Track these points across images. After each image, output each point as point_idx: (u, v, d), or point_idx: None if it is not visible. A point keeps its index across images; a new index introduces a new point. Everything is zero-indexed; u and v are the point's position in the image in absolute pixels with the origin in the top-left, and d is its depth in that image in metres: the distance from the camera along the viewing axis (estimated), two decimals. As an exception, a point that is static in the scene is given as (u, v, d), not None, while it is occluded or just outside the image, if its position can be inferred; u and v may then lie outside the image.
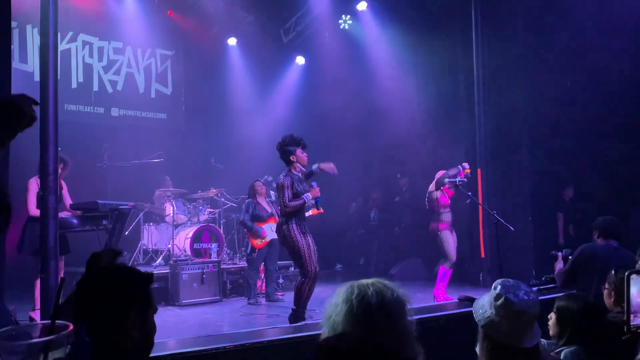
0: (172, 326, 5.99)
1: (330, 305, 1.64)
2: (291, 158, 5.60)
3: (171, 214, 8.66)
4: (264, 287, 7.88)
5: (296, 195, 5.45)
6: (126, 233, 7.92)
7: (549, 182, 8.75)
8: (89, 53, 10.38)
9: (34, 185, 5.78)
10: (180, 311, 7.13)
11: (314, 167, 5.75)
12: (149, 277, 1.71)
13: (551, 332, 2.85)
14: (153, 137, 10.27)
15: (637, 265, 3.32)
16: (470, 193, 7.05)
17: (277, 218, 7.79)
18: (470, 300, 2.54)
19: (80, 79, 10.24)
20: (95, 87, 10.42)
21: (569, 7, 8.00)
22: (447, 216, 7.11)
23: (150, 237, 8.87)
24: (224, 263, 8.37)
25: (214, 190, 9.24)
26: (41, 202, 4.65)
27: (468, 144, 8.85)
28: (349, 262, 11.12)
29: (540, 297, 4.90)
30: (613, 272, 3.13)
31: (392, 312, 1.57)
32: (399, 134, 9.86)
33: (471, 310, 2.12)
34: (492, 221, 6.75)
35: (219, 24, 11.06)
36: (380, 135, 10.44)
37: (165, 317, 6.38)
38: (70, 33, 10.01)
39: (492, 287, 2.10)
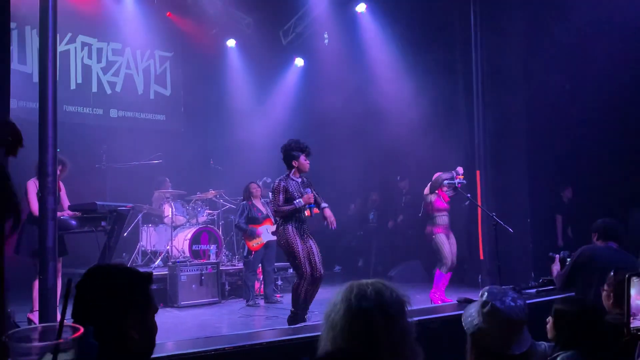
0: (171, 327, 5.99)
1: (329, 304, 1.64)
2: (293, 163, 5.64)
3: (170, 216, 8.66)
4: (262, 289, 7.88)
5: (289, 200, 5.50)
6: (125, 234, 7.92)
7: (547, 183, 8.75)
8: (88, 54, 10.38)
9: (32, 186, 5.77)
10: (179, 313, 7.12)
11: (323, 205, 5.76)
12: (149, 276, 1.70)
13: (549, 336, 2.84)
14: (152, 138, 10.27)
15: None
16: (469, 195, 7.05)
17: (272, 220, 7.81)
18: (470, 302, 2.55)
19: (79, 80, 10.24)
20: (94, 89, 10.42)
21: (568, 8, 8.01)
22: (442, 220, 7.06)
23: (149, 238, 8.86)
24: (222, 264, 8.36)
25: (213, 191, 9.23)
26: (39, 203, 4.65)
27: (467, 146, 8.86)
28: (348, 263, 11.11)
29: (539, 299, 4.90)
30: (613, 273, 3.13)
31: (390, 312, 1.56)
32: (398, 136, 9.86)
33: (469, 312, 2.12)
34: (491, 223, 6.74)
35: (218, 26, 11.07)
36: (379, 136, 10.44)
37: (163, 319, 6.37)
38: (69, 34, 10.01)
39: (480, 294, 2.10)
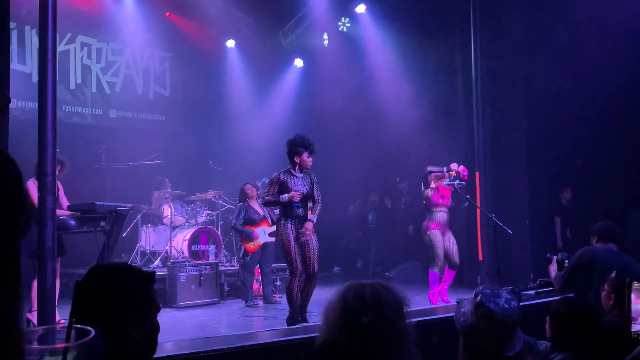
0: (170, 328, 5.98)
1: (327, 303, 1.64)
2: (295, 158, 5.68)
3: (169, 216, 8.66)
4: (261, 290, 7.88)
5: (280, 193, 5.58)
6: (124, 234, 7.91)
7: (547, 184, 8.76)
8: (88, 54, 10.38)
9: (33, 186, 5.76)
10: (178, 313, 7.12)
11: (311, 217, 5.69)
12: (150, 276, 1.70)
13: (547, 335, 2.84)
14: (151, 138, 10.26)
15: None
16: (468, 196, 7.04)
17: (269, 221, 7.82)
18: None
19: (79, 80, 10.24)
20: (94, 89, 10.42)
21: (567, 8, 8.01)
22: (438, 216, 6.99)
23: (148, 238, 8.85)
24: (221, 265, 8.36)
25: (212, 192, 9.23)
26: (38, 203, 4.64)
27: (467, 146, 8.87)
28: (347, 264, 11.11)
29: (538, 301, 4.90)
30: (614, 274, 3.12)
31: (386, 314, 1.55)
32: (397, 136, 9.86)
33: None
34: (490, 224, 6.74)
35: (218, 26, 11.06)
36: (379, 137, 10.44)
37: (162, 319, 6.26)
38: (69, 34, 10.01)
39: (473, 295, 2.10)
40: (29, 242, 5.51)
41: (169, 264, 7.81)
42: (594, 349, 2.60)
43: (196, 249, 8.43)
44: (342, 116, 10.54)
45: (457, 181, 6.93)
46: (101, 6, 10.17)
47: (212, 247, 8.52)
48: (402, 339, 1.57)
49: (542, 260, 5.13)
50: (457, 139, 9.12)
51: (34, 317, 5.52)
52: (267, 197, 5.73)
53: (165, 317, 6.69)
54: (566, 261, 4.66)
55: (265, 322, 6.54)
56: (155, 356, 1.78)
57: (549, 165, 8.68)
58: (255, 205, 7.99)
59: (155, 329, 1.67)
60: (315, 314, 5.60)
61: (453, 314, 2.14)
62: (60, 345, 1.02)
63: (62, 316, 5.42)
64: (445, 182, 6.93)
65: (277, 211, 7.09)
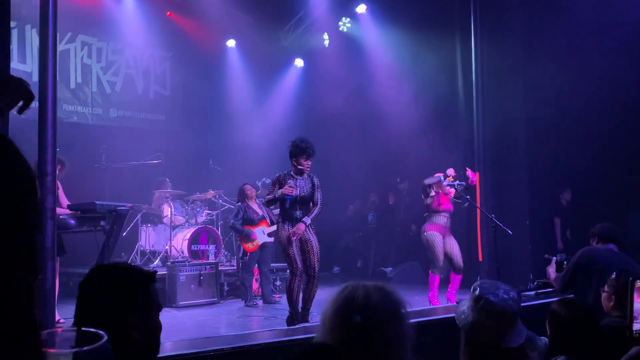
0: (169, 328, 5.97)
1: (325, 302, 1.63)
2: (293, 161, 5.69)
3: (169, 216, 8.66)
4: (261, 290, 7.87)
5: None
6: (124, 234, 7.91)
7: (547, 185, 8.76)
8: (88, 54, 10.38)
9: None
10: (178, 313, 7.12)
11: (304, 219, 5.64)
12: (151, 275, 1.69)
13: (549, 333, 2.84)
14: (151, 138, 10.26)
15: None
16: (468, 197, 7.04)
17: (268, 221, 7.82)
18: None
19: (79, 80, 10.23)
20: (94, 88, 10.41)
21: (567, 9, 8.01)
22: (439, 219, 6.95)
23: (148, 238, 8.85)
24: (221, 265, 8.36)
25: (212, 192, 9.23)
26: (39, 203, 4.64)
27: (467, 147, 8.86)
28: (347, 264, 11.11)
29: (538, 301, 4.88)
30: (615, 275, 3.12)
31: (377, 318, 1.51)
32: (397, 137, 9.86)
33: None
34: (490, 225, 6.73)
35: (218, 26, 11.06)
36: (379, 137, 10.44)
37: (162, 319, 6.33)
38: (69, 33, 10.01)
39: (471, 289, 2.09)
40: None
41: (168, 263, 7.81)
42: (593, 351, 2.59)
43: (196, 248, 8.43)
44: (342, 116, 10.54)
45: (457, 182, 6.93)
46: (102, 5, 10.17)
47: (211, 247, 8.52)
48: (392, 344, 1.52)
49: (541, 261, 5.12)
50: (457, 139, 9.12)
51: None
52: (267, 197, 5.82)
53: (165, 317, 6.61)
54: (565, 262, 4.66)
55: (265, 322, 6.55)
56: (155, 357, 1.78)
57: (549, 166, 8.68)
58: (254, 205, 7.98)
59: (156, 328, 1.67)
60: (315, 314, 5.61)
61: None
62: (73, 350, 1.02)
63: (61, 315, 5.42)
64: (446, 182, 6.92)
65: (276, 211, 7.10)
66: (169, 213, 8.67)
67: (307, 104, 11.35)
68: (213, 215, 9.34)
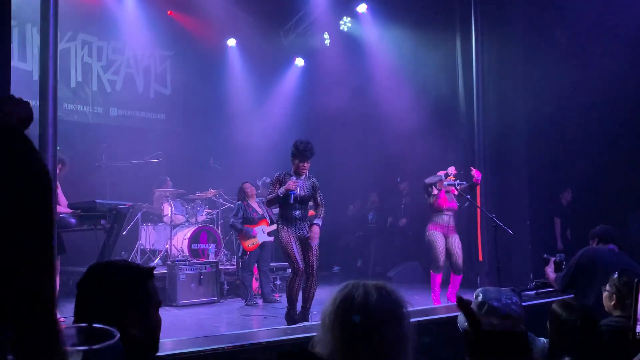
0: (170, 326, 5.98)
1: (325, 301, 1.63)
2: (292, 162, 5.73)
3: (169, 214, 8.66)
4: (260, 289, 7.88)
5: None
6: (124, 233, 7.91)
7: (547, 185, 8.76)
8: (88, 52, 10.38)
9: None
10: (178, 311, 7.12)
11: (316, 221, 5.73)
12: (149, 272, 1.69)
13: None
14: (152, 137, 10.26)
15: None
16: (469, 196, 7.04)
17: (268, 220, 7.82)
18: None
19: (79, 79, 10.23)
20: (94, 87, 10.41)
21: (568, 10, 8.01)
22: (441, 218, 6.94)
23: (148, 237, 8.86)
24: (221, 264, 8.36)
25: (212, 191, 9.23)
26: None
27: (467, 147, 8.86)
28: (347, 264, 11.11)
29: (538, 301, 4.88)
30: (617, 275, 3.12)
31: (376, 316, 1.50)
32: (397, 136, 9.86)
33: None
34: (490, 224, 6.73)
35: (219, 25, 11.06)
36: (379, 137, 10.44)
37: (162, 318, 6.35)
38: (70, 32, 10.00)
39: (474, 296, 2.09)
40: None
41: (169, 262, 7.81)
42: (594, 351, 2.59)
43: (196, 247, 8.43)
44: (342, 116, 10.54)
45: (458, 181, 6.93)
46: (102, 4, 10.16)
47: (212, 246, 8.52)
48: (392, 344, 1.51)
49: (541, 260, 5.13)
50: (458, 139, 9.11)
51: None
52: (268, 196, 5.80)
53: (165, 316, 6.61)
54: (563, 262, 4.66)
55: (265, 321, 6.55)
56: (155, 355, 1.78)
57: (549, 166, 8.68)
58: (254, 204, 7.98)
59: (156, 325, 1.67)
60: (315, 313, 5.62)
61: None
62: (88, 347, 1.01)
63: (61, 314, 5.42)
64: (446, 182, 6.91)
65: (275, 211, 7.09)
66: (169, 212, 8.67)
67: (308, 104, 11.34)
68: (213, 214, 9.35)
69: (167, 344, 3.75)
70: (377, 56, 10.57)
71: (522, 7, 8.69)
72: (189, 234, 8.43)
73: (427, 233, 6.98)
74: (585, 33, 7.94)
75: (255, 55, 11.42)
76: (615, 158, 8.08)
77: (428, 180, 7.00)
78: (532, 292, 5.88)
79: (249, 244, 7.70)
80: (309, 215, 5.95)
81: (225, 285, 8.25)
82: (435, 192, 6.99)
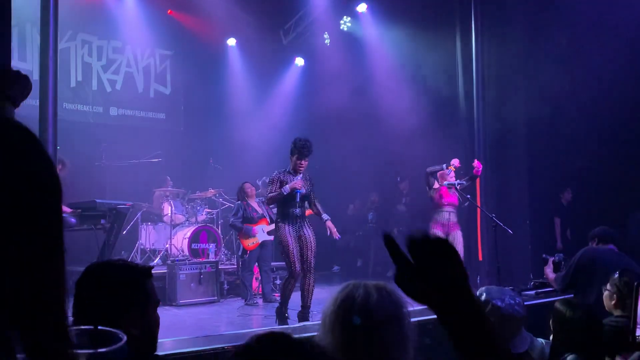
0: (169, 326, 5.96)
1: (326, 302, 1.63)
2: (290, 159, 5.74)
3: (169, 214, 8.66)
4: (260, 288, 7.87)
5: (280, 189, 5.67)
6: (124, 232, 7.90)
7: (547, 185, 8.76)
8: (88, 52, 10.37)
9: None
10: (178, 311, 7.12)
11: (325, 217, 5.91)
12: (146, 271, 1.69)
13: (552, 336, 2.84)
14: (152, 137, 10.26)
15: None
16: (469, 196, 7.04)
17: (268, 219, 7.82)
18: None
19: (79, 78, 10.23)
20: (94, 86, 10.41)
21: (568, 10, 8.01)
22: (441, 215, 6.94)
23: (148, 236, 8.86)
24: (221, 263, 8.36)
25: (212, 190, 9.23)
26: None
27: (467, 147, 8.86)
28: (346, 264, 11.11)
29: (538, 301, 4.87)
30: (618, 274, 3.12)
31: (376, 317, 1.50)
32: (397, 136, 9.85)
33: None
34: (490, 224, 6.72)
35: (219, 24, 11.05)
36: (379, 136, 10.43)
37: (162, 317, 6.30)
38: (70, 32, 10.00)
39: (477, 294, 2.09)
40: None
41: (168, 262, 7.81)
42: (597, 349, 2.60)
43: (196, 247, 8.43)
44: (342, 115, 10.54)
45: (457, 181, 6.92)
46: (102, 4, 10.16)
47: (212, 246, 8.52)
48: (392, 344, 1.51)
49: (541, 260, 5.13)
50: (458, 139, 9.11)
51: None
52: (270, 195, 5.75)
53: (165, 315, 6.63)
54: (562, 262, 4.67)
55: (265, 320, 6.54)
56: (154, 354, 1.78)
57: (549, 166, 8.68)
58: (254, 203, 7.98)
59: (154, 324, 1.67)
60: (316, 313, 5.62)
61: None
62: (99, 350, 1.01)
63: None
64: (446, 182, 6.91)
65: (275, 210, 7.10)
66: (169, 211, 8.67)
67: (308, 103, 11.34)
68: (213, 213, 9.35)
69: (167, 344, 3.75)
70: (377, 56, 10.57)
71: (522, 7, 8.69)
72: (189, 234, 8.43)
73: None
74: (585, 33, 7.94)
75: (255, 55, 11.42)
76: (615, 158, 8.07)
77: (430, 168, 7.00)
78: (532, 292, 5.87)
79: (249, 243, 7.70)
80: (306, 214, 5.95)
81: (225, 285, 8.25)
82: (437, 185, 6.98)
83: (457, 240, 6.98)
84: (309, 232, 5.69)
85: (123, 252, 8.79)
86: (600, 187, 8.16)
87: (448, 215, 6.95)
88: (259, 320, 6.63)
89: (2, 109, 1.95)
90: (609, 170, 8.07)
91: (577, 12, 7.86)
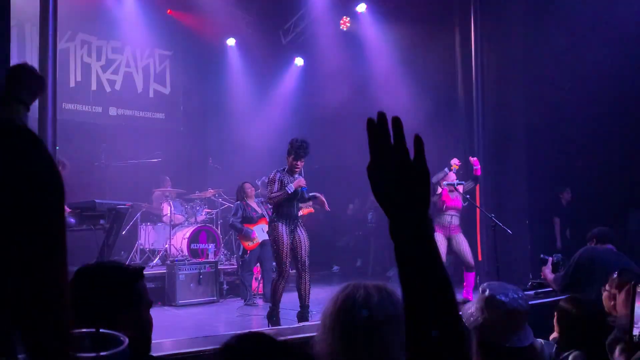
0: (169, 326, 5.98)
1: (326, 302, 1.63)
2: (287, 159, 5.76)
3: (168, 214, 8.65)
4: (260, 288, 7.87)
5: (282, 189, 5.65)
6: (123, 233, 7.91)
7: (546, 184, 8.76)
8: (88, 52, 10.37)
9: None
10: (177, 311, 7.12)
11: (316, 194, 5.93)
12: (138, 272, 1.69)
13: (556, 334, 2.84)
14: (151, 137, 10.26)
15: None
16: (468, 196, 7.04)
17: (267, 219, 7.81)
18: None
19: (79, 78, 10.22)
20: (94, 87, 10.41)
21: (567, 9, 8.01)
22: (443, 219, 6.90)
23: (148, 237, 8.85)
24: (221, 264, 8.36)
25: (212, 190, 9.23)
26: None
27: (466, 147, 8.86)
28: (346, 263, 11.11)
29: (538, 301, 4.88)
30: (617, 274, 3.12)
31: (376, 317, 1.49)
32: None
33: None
34: (490, 224, 6.72)
35: (218, 24, 11.05)
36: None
37: (161, 317, 6.36)
38: (69, 32, 9.99)
39: (480, 290, 2.10)
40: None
41: (168, 262, 7.81)
42: (601, 346, 2.60)
43: (195, 247, 8.43)
44: (342, 115, 10.53)
45: (457, 181, 6.92)
46: (101, 4, 10.15)
47: (211, 246, 8.52)
48: (392, 344, 1.49)
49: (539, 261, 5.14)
50: (458, 139, 9.12)
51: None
52: (273, 194, 5.66)
53: (164, 315, 6.69)
54: (561, 263, 4.67)
55: (264, 320, 6.52)
56: (154, 354, 1.78)
57: (548, 166, 8.68)
58: (253, 203, 7.98)
59: (147, 325, 1.66)
60: (315, 313, 5.62)
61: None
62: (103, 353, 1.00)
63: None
64: (445, 182, 6.90)
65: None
66: (169, 212, 8.67)
67: (307, 103, 11.33)
68: (213, 214, 9.35)
69: (165, 344, 3.75)
70: (376, 56, 10.57)
71: (522, 6, 8.69)
72: (188, 234, 8.42)
73: None
74: (585, 32, 7.94)
75: (255, 55, 11.41)
76: (615, 158, 8.08)
77: (434, 178, 6.94)
78: (531, 292, 5.87)
79: (249, 243, 7.71)
80: (303, 214, 5.98)
81: (225, 285, 8.24)
82: (440, 190, 6.96)
83: (462, 242, 6.93)
84: (302, 232, 5.72)
85: (122, 252, 8.79)
86: (599, 187, 8.16)
87: (450, 218, 6.93)
88: (258, 321, 6.62)
89: (18, 114, 1.93)
90: (608, 170, 8.07)
91: (577, 11, 7.87)
